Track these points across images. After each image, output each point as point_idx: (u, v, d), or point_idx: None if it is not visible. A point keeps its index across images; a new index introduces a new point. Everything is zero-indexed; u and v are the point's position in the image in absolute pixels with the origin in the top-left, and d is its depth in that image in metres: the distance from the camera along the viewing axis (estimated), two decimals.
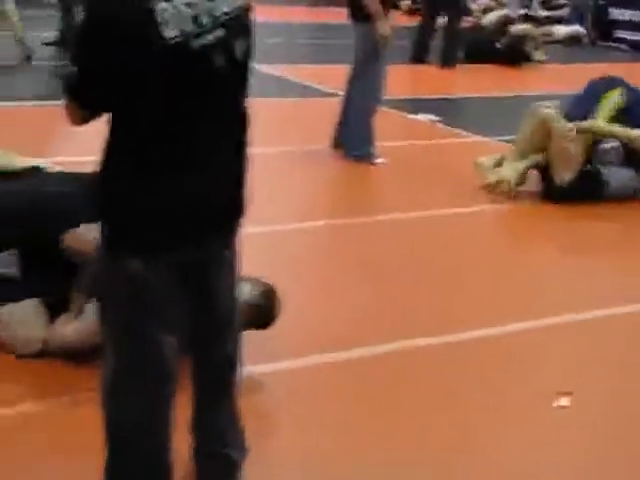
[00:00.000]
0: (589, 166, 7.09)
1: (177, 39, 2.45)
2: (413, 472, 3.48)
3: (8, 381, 3.91)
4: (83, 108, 2.57)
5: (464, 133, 9.24)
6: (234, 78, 2.67)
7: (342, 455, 3.54)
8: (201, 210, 2.68)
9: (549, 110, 7.14)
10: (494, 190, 7.07)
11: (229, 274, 2.92)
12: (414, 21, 14.18)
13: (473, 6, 16.53)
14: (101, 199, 2.70)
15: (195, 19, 2.49)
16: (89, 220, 3.90)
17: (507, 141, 8.43)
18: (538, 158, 7.12)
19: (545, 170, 7.12)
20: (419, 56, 13.28)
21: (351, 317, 4.79)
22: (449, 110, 10.37)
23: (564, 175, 6.96)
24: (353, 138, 7.83)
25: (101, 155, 2.64)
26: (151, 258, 2.64)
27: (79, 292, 4.08)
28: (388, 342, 4.50)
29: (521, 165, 7.13)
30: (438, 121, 9.59)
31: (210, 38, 2.52)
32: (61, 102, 2.56)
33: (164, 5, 2.43)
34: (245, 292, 4.00)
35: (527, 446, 3.72)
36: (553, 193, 7.02)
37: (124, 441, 2.82)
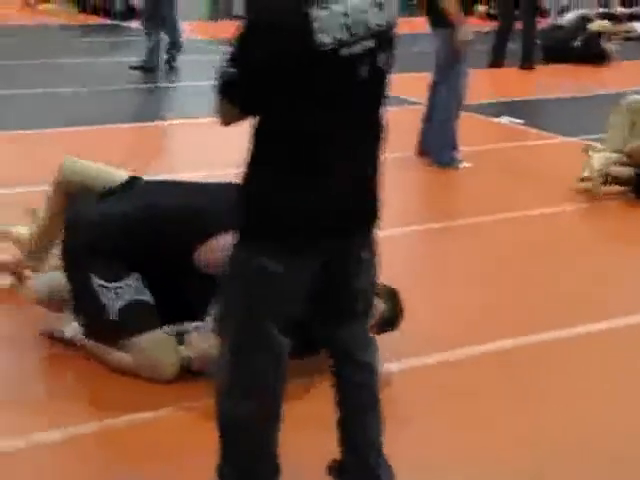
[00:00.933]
0: None
1: (330, 46, 2.59)
2: (530, 468, 3.56)
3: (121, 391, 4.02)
4: (238, 107, 2.71)
5: (547, 134, 9.23)
6: (374, 89, 2.79)
7: (454, 456, 3.61)
8: (333, 213, 2.80)
9: None
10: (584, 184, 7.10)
11: (367, 275, 3.02)
12: (490, 26, 14.15)
13: (548, 6, 16.45)
14: (240, 197, 2.84)
15: (348, 28, 2.61)
16: (213, 231, 3.97)
17: (591, 140, 8.44)
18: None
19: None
20: (497, 61, 13.25)
21: (457, 317, 4.88)
22: (531, 112, 10.37)
23: None
24: (437, 144, 7.92)
25: (246, 156, 2.79)
26: (283, 256, 2.77)
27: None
28: (493, 341, 4.60)
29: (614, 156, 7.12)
30: (520, 123, 9.62)
31: (359, 48, 2.64)
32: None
33: (321, 12, 2.57)
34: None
35: None
36: None
37: (233, 434, 2.96)
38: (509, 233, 6.33)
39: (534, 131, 9.36)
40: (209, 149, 7.91)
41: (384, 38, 2.73)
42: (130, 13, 17.25)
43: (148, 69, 11.98)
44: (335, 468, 3.28)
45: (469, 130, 8.30)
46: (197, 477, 3.30)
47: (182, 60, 12.40)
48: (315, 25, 2.56)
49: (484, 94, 10.82)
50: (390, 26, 2.76)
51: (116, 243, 4.11)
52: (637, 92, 7.55)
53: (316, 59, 2.60)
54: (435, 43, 7.78)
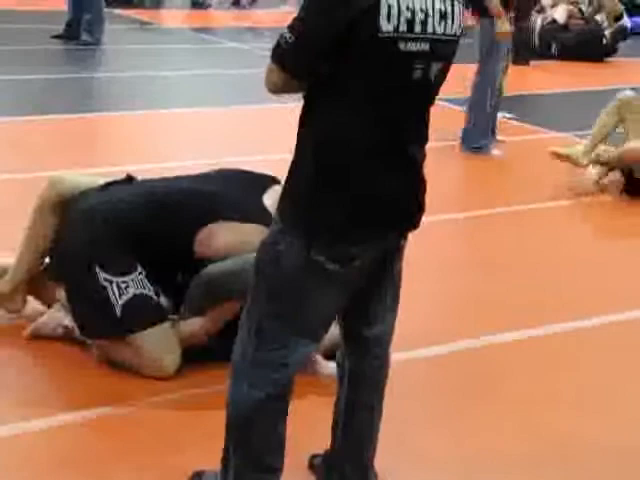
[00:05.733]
0: None
1: (389, 34, 2.58)
2: (500, 470, 3.55)
3: (86, 385, 3.98)
4: (287, 73, 2.68)
5: (538, 129, 9.26)
6: (424, 95, 2.77)
7: (429, 452, 3.61)
8: (385, 208, 2.79)
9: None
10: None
11: (397, 272, 3.02)
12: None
13: (544, 1, 16.33)
14: (290, 192, 2.82)
15: (410, 23, 2.61)
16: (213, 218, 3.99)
17: (582, 136, 8.44)
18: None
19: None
20: None
21: (436, 312, 4.88)
22: (522, 107, 10.36)
23: None
24: (469, 129, 8.08)
25: (295, 148, 2.78)
26: (337, 255, 2.75)
27: (185, 307, 4.10)
28: (476, 337, 4.58)
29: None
30: (511, 118, 9.61)
31: (416, 47, 2.63)
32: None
33: (391, 0, 2.57)
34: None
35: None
36: (633, 187, 7.05)
37: (237, 425, 2.95)
38: (501, 227, 6.35)
39: (525, 126, 9.37)
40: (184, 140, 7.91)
41: (440, 50, 2.71)
42: None
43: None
44: (320, 463, 3.28)
45: (460, 125, 8.28)
46: (185, 469, 3.29)
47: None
48: (382, 10, 2.57)
49: None
50: (449, 41, 2.73)
51: (120, 232, 4.05)
52: (633, 88, 7.59)
53: (374, 43, 2.59)
54: (479, 33, 7.99)
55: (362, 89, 2.66)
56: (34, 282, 4.41)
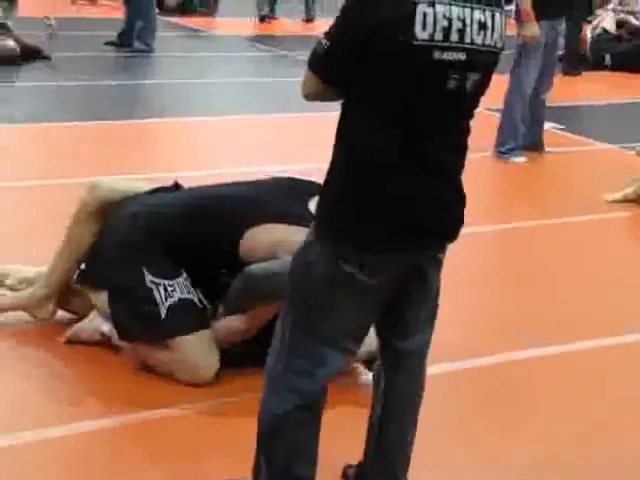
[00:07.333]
0: None
1: (425, 42, 2.56)
2: None
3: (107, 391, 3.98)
4: (320, 78, 2.69)
5: (589, 141, 9.16)
6: (459, 104, 2.74)
7: (445, 464, 3.60)
8: (416, 222, 2.76)
9: None
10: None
11: (437, 276, 2.99)
12: None
13: (598, 11, 16.15)
14: (324, 199, 2.83)
15: (446, 32, 2.59)
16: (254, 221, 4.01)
17: (631, 148, 8.35)
18: None
19: None
20: None
21: (469, 325, 4.85)
22: (573, 118, 10.29)
23: None
24: (499, 134, 8.14)
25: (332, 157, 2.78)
26: (367, 266, 2.74)
27: (224, 306, 4.08)
28: (507, 351, 4.54)
29: None
30: (562, 129, 9.54)
31: (452, 56, 2.61)
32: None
33: (427, 8, 2.56)
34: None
35: None
36: None
37: (267, 434, 2.94)
38: (545, 240, 6.27)
39: (576, 137, 9.28)
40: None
41: (478, 60, 2.67)
42: None
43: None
44: (353, 474, 3.27)
45: None
46: (215, 478, 3.30)
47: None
48: (418, 17, 2.55)
49: None
50: (488, 52, 2.70)
51: (165, 239, 4.07)
52: None
53: (409, 51, 2.57)
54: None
55: (395, 100, 2.64)
56: (64, 292, 4.42)
